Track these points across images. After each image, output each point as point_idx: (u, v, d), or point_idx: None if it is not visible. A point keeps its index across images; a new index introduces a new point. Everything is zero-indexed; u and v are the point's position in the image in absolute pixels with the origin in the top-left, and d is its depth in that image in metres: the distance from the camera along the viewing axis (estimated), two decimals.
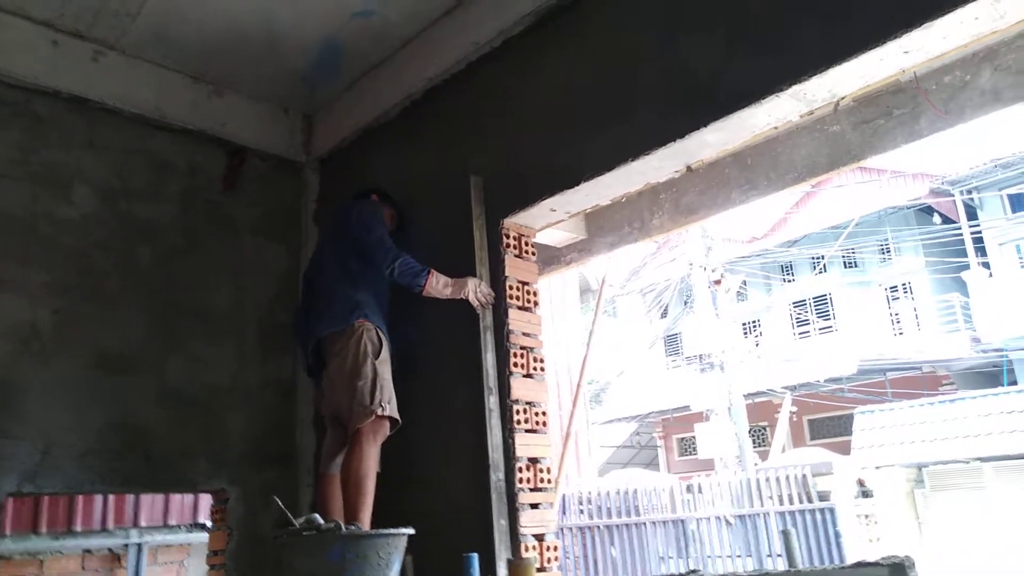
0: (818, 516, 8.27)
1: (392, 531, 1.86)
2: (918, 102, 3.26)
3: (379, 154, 4.20)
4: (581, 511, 9.95)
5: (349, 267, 3.33)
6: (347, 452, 3.02)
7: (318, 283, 3.44)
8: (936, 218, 17.29)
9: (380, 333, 3.21)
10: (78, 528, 5.67)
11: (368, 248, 3.30)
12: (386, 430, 3.09)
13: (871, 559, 2.00)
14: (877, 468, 11.11)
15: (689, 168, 3.04)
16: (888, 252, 18.69)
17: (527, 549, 2.95)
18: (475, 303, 3.25)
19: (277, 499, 1.97)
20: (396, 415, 3.08)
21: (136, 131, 3.98)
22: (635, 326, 21.02)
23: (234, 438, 3.99)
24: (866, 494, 10.70)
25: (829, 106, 2.71)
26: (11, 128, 3.59)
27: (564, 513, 9.88)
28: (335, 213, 3.73)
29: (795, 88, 2.46)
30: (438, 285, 3.22)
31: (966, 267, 16.55)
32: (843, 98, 2.61)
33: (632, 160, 2.91)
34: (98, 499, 5.79)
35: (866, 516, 10.60)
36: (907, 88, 3.28)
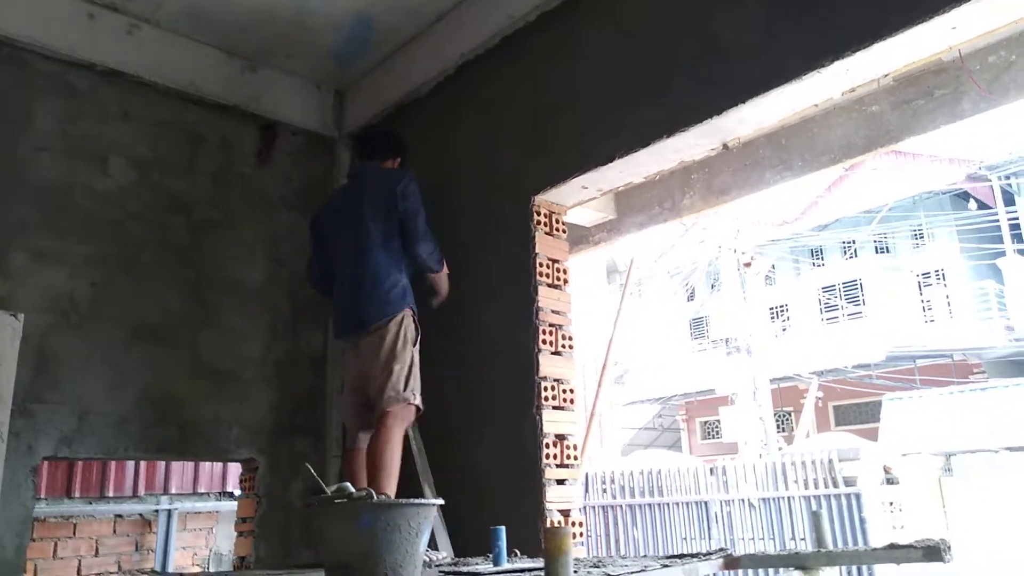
0: (843, 501, 8.21)
1: (423, 501, 1.88)
2: (960, 82, 3.19)
3: (411, 130, 4.18)
4: (604, 490, 9.99)
5: (394, 246, 3.24)
6: (374, 434, 3.00)
7: (358, 258, 3.23)
8: (972, 204, 16.93)
9: (416, 319, 3.21)
10: (110, 493, 5.81)
11: (412, 230, 3.25)
12: (412, 416, 3.14)
13: (904, 542, 1.98)
14: (904, 455, 10.99)
15: (725, 146, 3.00)
16: (921, 238, 18.37)
17: (552, 524, 2.97)
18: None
19: (309, 467, 1.99)
20: (421, 404, 3.13)
21: (171, 105, 4.01)
22: (661, 308, 20.90)
23: (264, 409, 4.05)
24: (891, 481, 10.60)
25: (871, 84, 2.66)
26: (49, 101, 3.62)
27: (587, 492, 9.92)
28: (367, 175, 3.46)
29: (837, 64, 2.40)
30: (443, 277, 3.46)
31: (1002, 254, 16.21)
32: (886, 75, 2.55)
33: (667, 137, 2.88)
34: (130, 466, 5.92)
35: (891, 503, 10.51)
36: (949, 68, 3.21)
